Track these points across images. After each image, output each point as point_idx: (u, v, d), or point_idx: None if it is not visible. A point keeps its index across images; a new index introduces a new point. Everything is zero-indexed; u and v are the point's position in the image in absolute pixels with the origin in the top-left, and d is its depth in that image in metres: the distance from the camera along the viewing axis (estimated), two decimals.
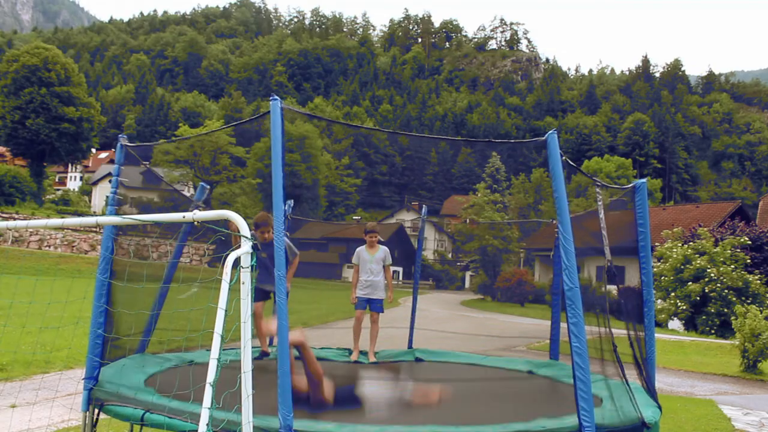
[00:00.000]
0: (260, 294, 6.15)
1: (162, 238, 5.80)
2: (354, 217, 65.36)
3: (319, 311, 20.32)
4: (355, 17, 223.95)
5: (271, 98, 3.70)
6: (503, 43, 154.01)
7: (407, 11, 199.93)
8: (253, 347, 3.11)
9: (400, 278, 52.16)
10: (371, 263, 6.84)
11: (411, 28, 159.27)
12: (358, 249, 6.91)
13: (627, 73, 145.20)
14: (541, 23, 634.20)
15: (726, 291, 20.95)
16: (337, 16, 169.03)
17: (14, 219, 37.22)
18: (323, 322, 17.49)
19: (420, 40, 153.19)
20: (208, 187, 6.28)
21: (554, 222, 3.80)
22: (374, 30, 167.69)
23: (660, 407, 4.42)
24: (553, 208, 3.74)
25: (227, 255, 2.76)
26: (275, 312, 3.50)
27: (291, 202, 7.27)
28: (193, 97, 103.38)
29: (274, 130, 3.59)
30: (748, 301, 19.23)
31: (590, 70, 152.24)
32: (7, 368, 7.99)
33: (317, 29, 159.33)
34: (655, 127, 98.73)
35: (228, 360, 2.84)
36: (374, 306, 6.91)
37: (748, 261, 21.72)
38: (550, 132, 3.81)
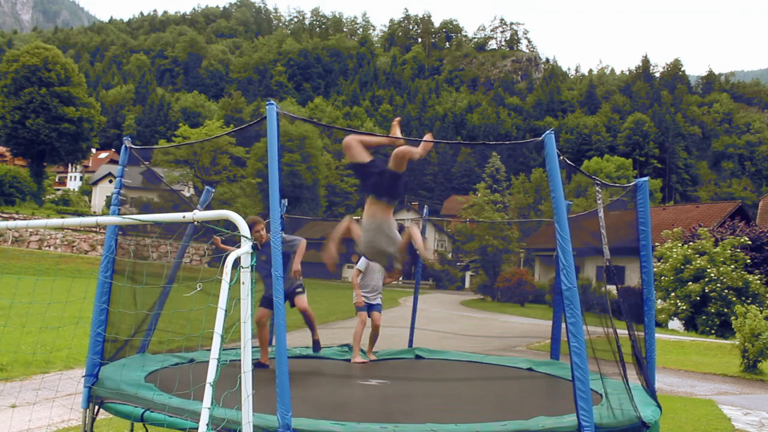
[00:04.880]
0: (267, 302, 5.85)
1: (162, 237, 5.81)
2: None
3: (319, 311, 20.30)
4: (355, 17, 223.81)
5: (267, 103, 3.72)
6: (503, 43, 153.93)
7: (407, 11, 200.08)
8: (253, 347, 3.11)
9: (401, 278, 52.09)
10: (378, 272, 6.91)
11: (411, 28, 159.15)
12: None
13: (627, 73, 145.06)
14: (541, 23, 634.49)
15: (726, 291, 20.95)
16: (337, 16, 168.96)
17: (14, 219, 37.21)
18: (323, 322, 17.47)
19: (420, 40, 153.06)
20: (213, 190, 6.32)
21: None
22: (374, 30, 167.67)
23: (660, 407, 4.43)
24: (552, 208, 3.75)
25: (227, 255, 2.77)
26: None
27: (285, 202, 7.30)
28: (193, 97, 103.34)
29: (270, 134, 3.61)
30: (748, 301, 19.22)
31: (590, 70, 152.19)
32: (7, 368, 8.00)
33: (317, 29, 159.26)
34: (655, 127, 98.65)
35: (227, 360, 2.84)
36: (376, 307, 6.97)
37: (748, 261, 21.72)
38: (547, 132, 3.82)
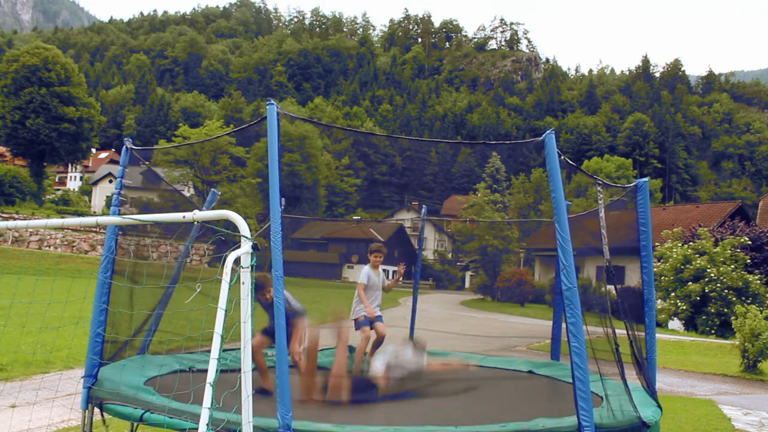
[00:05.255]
0: (268, 333, 5.69)
1: (162, 238, 5.80)
2: (354, 217, 65.28)
3: (319, 311, 20.30)
4: (355, 17, 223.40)
5: (267, 103, 3.73)
6: (503, 43, 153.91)
7: (407, 11, 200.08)
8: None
9: (401, 279, 52.11)
10: (379, 289, 6.93)
11: (411, 28, 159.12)
12: (366, 269, 6.88)
13: (627, 73, 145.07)
14: (541, 23, 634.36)
15: (726, 291, 20.95)
16: (337, 16, 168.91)
17: (14, 219, 37.20)
18: (323, 322, 17.46)
19: (420, 40, 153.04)
20: (219, 193, 6.31)
21: None
22: (374, 30, 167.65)
23: (660, 407, 4.42)
24: (552, 208, 3.75)
25: (227, 255, 2.76)
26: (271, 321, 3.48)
27: (283, 200, 7.29)
28: (193, 97, 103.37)
29: (271, 134, 3.61)
30: (748, 301, 19.22)
31: (590, 70, 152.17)
32: (7, 368, 7.99)
33: (317, 29, 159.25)
34: (655, 127, 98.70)
35: (228, 360, 2.84)
36: (379, 318, 6.95)
37: (748, 261, 21.72)
38: (548, 132, 3.82)
